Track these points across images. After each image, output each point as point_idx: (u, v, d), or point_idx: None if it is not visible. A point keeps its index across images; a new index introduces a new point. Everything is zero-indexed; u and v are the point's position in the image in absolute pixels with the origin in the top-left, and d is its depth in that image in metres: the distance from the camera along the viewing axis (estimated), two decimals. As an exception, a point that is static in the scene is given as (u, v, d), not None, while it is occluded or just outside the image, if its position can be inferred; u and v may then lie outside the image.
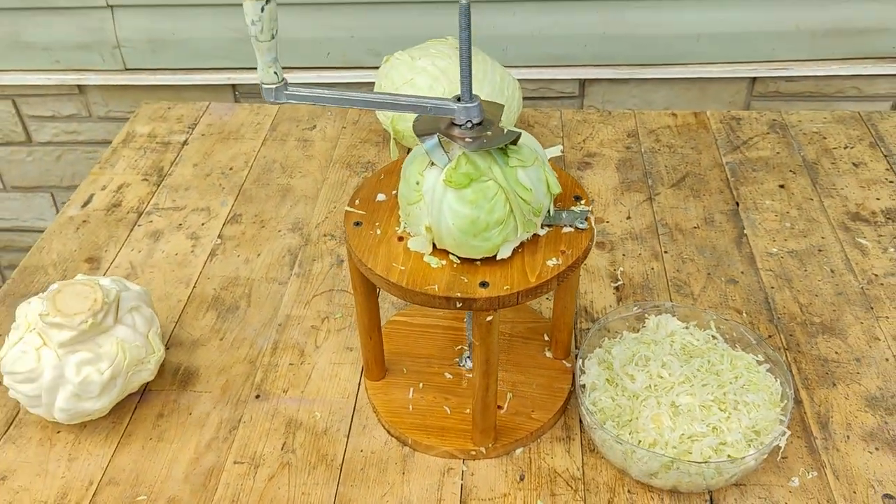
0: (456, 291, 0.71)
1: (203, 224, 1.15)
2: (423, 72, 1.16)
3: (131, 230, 1.15)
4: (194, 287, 1.05)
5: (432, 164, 0.73)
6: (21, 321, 0.86)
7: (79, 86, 1.73)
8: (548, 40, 1.58)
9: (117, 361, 0.84)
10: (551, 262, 0.73)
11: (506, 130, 0.72)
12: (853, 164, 1.22)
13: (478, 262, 0.74)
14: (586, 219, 0.77)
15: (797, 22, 1.53)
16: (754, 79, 1.60)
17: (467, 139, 0.70)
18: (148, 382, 0.92)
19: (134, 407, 0.91)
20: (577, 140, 1.30)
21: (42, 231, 1.96)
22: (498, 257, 0.73)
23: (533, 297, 0.72)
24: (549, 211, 0.76)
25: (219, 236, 1.13)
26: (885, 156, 1.23)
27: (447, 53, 1.18)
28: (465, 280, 0.72)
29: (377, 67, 1.62)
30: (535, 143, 0.76)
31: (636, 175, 1.22)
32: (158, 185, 1.23)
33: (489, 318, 0.72)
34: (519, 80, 1.59)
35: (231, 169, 1.26)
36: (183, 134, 1.35)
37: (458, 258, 0.74)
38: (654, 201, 1.17)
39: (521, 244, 0.75)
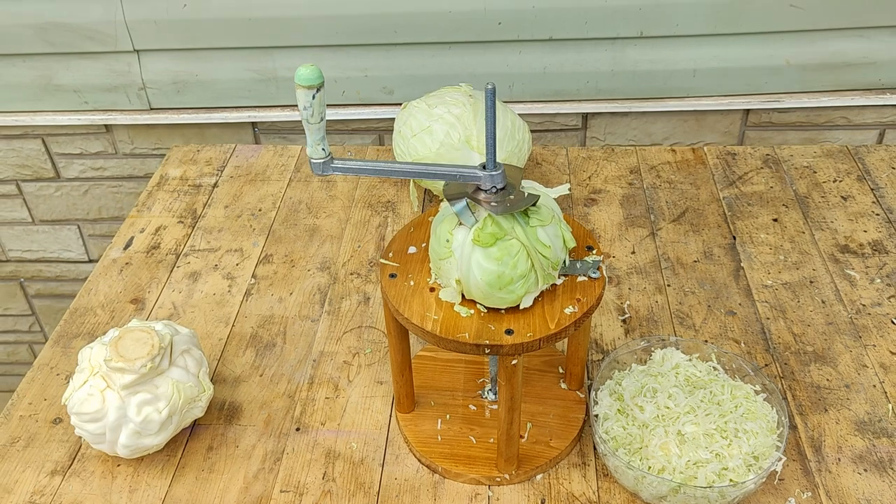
0: (485, 339, 0.79)
1: (237, 264, 1.24)
2: (439, 119, 1.25)
3: (171, 271, 1.23)
4: (233, 326, 1.14)
5: (461, 223, 0.82)
6: (84, 365, 0.94)
7: (106, 125, 1.81)
8: (552, 77, 1.67)
9: (173, 401, 0.93)
10: (568, 310, 0.82)
11: (526, 194, 0.81)
12: (842, 197, 1.31)
13: (503, 311, 0.82)
14: (598, 268, 0.86)
15: (787, 57, 1.62)
16: (748, 111, 1.69)
17: (493, 203, 0.79)
18: (197, 418, 1.01)
19: (185, 441, 0.99)
20: (583, 177, 1.39)
21: (69, 262, 2.05)
22: (521, 307, 0.82)
23: (553, 342, 0.81)
24: (564, 262, 0.85)
25: (253, 276, 1.22)
26: (872, 189, 1.32)
27: (461, 101, 1.27)
28: (493, 328, 0.80)
29: (390, 104, 1.72)
30: (551, 201, 0.84)
31: (639, 210, 1.31)
32: (193, 227, 1.32)
33: (514, 362, 0.81)
34: (524, 114, 1.68)
35: (260, 210, 1.35)
36: (212, 176, 1.43)
37: (485, 308, 0.82)
38: (657, 236, 1.25)
39: (541, 293, 0.83)
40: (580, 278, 0.85)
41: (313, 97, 0.74)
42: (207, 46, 1.68)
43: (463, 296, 0.83)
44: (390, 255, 0.89)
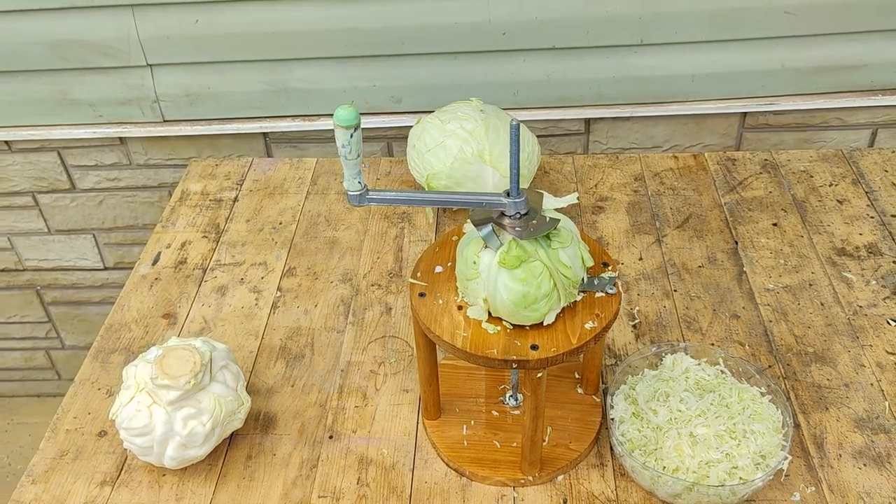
0: (512, 355, 0.85)
1: (262, 278, 1.29)
2: (452, 135, 1.30)
3: (199, 286, 1.29)
4: (262, 338, 1.20)
5: (487, 247, 0.87)
6: (130, 382, 1.00)
7: (120, 138, 1.86)
8: (555, 84, 1.72)
9: (216, 414, 0.99)
10: (589, 325, 0.88)
11: (548, 218, 0.86)
12: (838, 201, 1.37)
13: (527, 328, 0.88)
14: (615, 284, 0.92)
15: (783, 61, 1.67)
16: (745, 113, 1.75)
17: (517, 228, 0.85)
18: (236, 429, 1.06)
19: (225, 451, 1.05)
20: (590, 185, 1.44)
21: (84, 270, 2.10)
22: (544, 323, 0.88)
23: (575, 356, 0.87)
24: (583, 279, 0.91)
25: (278, 289, 1.27)
26: (866, 192, 1.38)
27: (473, 116, 1.32)
28: (519, 344, 0.86)
29: (398, 113, 1.77)
30: (570, 224, 0.90)
31: (645, 217, 1.37)
32: (217, 242, 1.37)
33: (539, 375, 0.87)
34: (529, 120, 1.74)
35: (280, 223, 1.40)
36: (232, 191, 1.49)
37: (511, 324, 0.88)
38: (662, 242, 1.31)
39: (563, 310, 0.89)
40: (598, 294, 0.91)
41: (351, 136, 0.79)
42: (219, 60, 1.73)
43: (489, 313, 0.89)
44: (418, 274, 0.95)
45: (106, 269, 2.09)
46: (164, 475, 1.02)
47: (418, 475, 1.01)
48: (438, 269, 0.96)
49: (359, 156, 0.82)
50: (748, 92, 1.71)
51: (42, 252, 2.06)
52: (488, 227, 0.86)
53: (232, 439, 1.06)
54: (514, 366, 0.85)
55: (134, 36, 1.70)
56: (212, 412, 0.98)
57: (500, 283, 0.85)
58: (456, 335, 0.88)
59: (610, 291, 0.91)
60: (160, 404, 0.97)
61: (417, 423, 1.07)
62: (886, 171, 1.42)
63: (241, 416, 1.02)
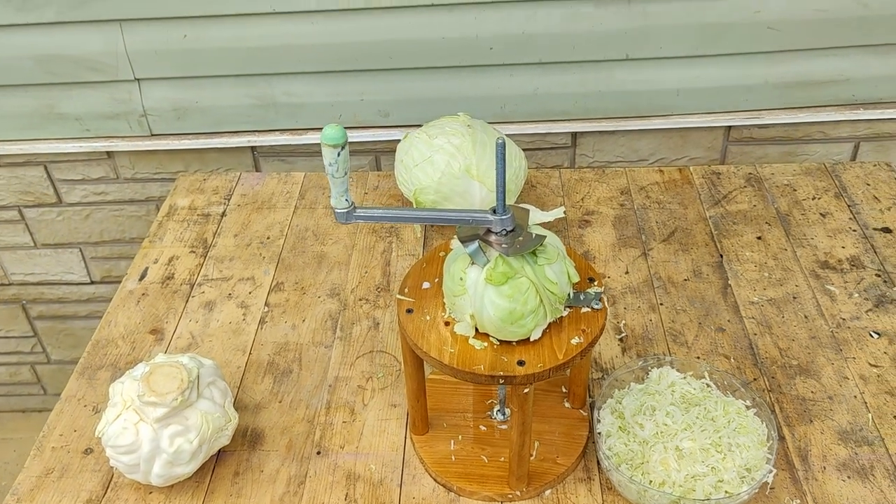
0: (499, 371, 0.86)
1: (250, 293, 1.29)
2: (440, 150, 1.31)
3: (186, 301, 1.29)
4: (250, 354, 1.19)
5: (473, 263, 0.88)
6: (117, 399, 1.00)
7: (107, 152, 1.86)
8: (542, 98, 1.73)
9: (203, 431, 0.98)
10: (575, 341, 0.88)
11: (534, 235, 0.87)
12: (820, 214, 1.38)
13: (514, 343, 0.89)
14: (600, 299, 0.92)
15: (766, 76, 1.69)
16: (730, 127, 1.77)
17: (503, 245, 0.86)
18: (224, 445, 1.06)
19: (213, 467, 1.05)
20: (577, 199, 1.45)
21: (71, 284, 2.09)
22: (531, 339, 0.88)
23: (562, 371, 0.87)
24: (569, 295, 0.92)
25: (266, 304, 1.27)
26: (849, 206, 1.40)
27: (461, 131, 1.33)
28: (505, 360, 0.87)
29: (386, 127, 1.78)
30: (556, 240, 0.91)
31: (631, 231, 1.38)
32: (205, 257, 1.37)
33: (525, 391, 0.87)
34: (516, 134, 1.75)
35: (268, 238, 1.40)
36: (220, 205, 1.49)
37: (498, 340, 0.89)
38: (648, 256, 1.33)
39: (549, 325, 0.90)
40: (584, 309, 0.92)
41: (338, 154, 0.80)
42: (207, 74, 1.73)
43: (476, 329, 0.90)
44: (406, 290, 0.96)
45: (92, 283, 2.08)
46: (150, 493, 1.02)
47: (406, 491, 1.01)
48: (426, 285, 0.96)
49: (346, 174, 0.82)
50: (732, 106, 1.73)
51: (28, 266, 2.05)
52: (475, 244, 0.87)
53: (219, 456, 1.06)
54: (501, 382, 0.86)
55: (122, 50, 1.70)
56: (199, 429, 0.98)
57: (487, 299, 0.86)
58: (443, 351, 0.88)
59: (595, 307, 0.92)
60: (147, 422, 0.97)
61: (405, 438, 1.07)
62: (868, 184, 1.44)
63: (228, 432, 1.02)
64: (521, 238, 0.86)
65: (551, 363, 0.86)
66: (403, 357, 0.96)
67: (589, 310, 0.92)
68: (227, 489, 1.02)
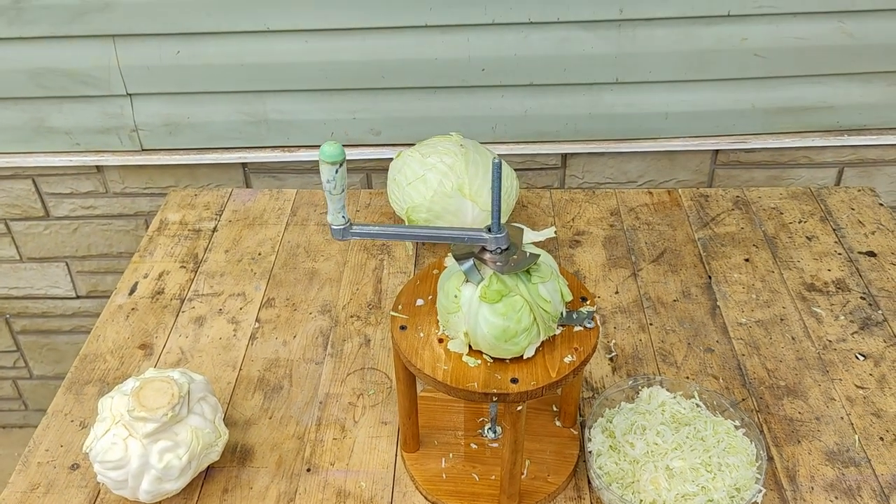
0: (492, 388, 0.86)
1: (241, 308, 1.29)
2: (433, 168, 1.32)
3: (177, 317, 1.28)
4: (240, 370, 1.19)
5: (468, 280, 0.88)
6: (106, 414, 0.99)
7: (97, 166, 1.85)
8: (533, 119, 1.75)
9: (192, 447, 0.98)
10: (567, 359, 0.89)
11: (528, 254, 0.88)
12: (807, 237, 1.40)
13: (507, 361, 0.89)
14: (593, 318, 0.93)
15: (753, 101, 1.72)
16: (717, 151, 1.79)
17: (498, 263, 0.86)
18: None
19: (201, 484, 1.04)
20: (567, 219, 1.47)
21: (56, 298, 2.07)
22: (524, 357, 0.89)
23: (554, 390, 0.88)
24: (562, 313, 0.92)
25: (256, 320, 1.27)
26: (834, 229, 1.42)
27: (453, 151, 1.34)
28: (499, 377, 0.87)
29: (377, 145, 1.79)
30: (549, 259, 0.92)
31: (620, 252, 1.39)
32: (195, 272, 1.37)
33: (519, 409, 0.87)
34: (507, 154, 1.76)
35: (259, 254, 1.40)
36: (211, 221, 1.49)
37: (491, 358, 0.89)
38: (638, 276, 1.34)
39: (542, 343, 0.90)
40: (576, 328, 0.93)
41: (336, 171, 0.80)
42: (199, 91, 1.74)
43: (470, 347, 0.90)
44: (399, 307, 0.96)
45: (78, 297, 2.07)
46: (138, 509, 1.01)
47: (397, 509, 1.00)
48: (420, 302, 0.97)
49: (343, 191, 0.83)
50: (720, 130, 1.76)
51: (13, 280, 2.03)
52: (469, 262, 0.88)
53: (208, 472, 1.05)
54: (495, 399, 0.86)
55: (114, 65, 1.71)
56: (189, 445, 0.98)
57: (481, 317, 0.86)
58: (437, 368, 0.88)
59: (588, 326, 0.92)
60: (136, 437, 0.96)
61: (396, 455, 1.07)
62: (852, 209, 1.47)
63: (218, 448, 1.02)
64: (515, 256, 0.87)
65: (544, 381, 0.87)
66: (396, 374, 0.97)
67: (581, 328, 0.92)
68: (216, 506, 1.01)
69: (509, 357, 0.89)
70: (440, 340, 0.92)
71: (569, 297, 0.91)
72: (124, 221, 1.93)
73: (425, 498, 1.01)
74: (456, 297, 0.88)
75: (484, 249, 0.87)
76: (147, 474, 0.96)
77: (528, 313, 0.86)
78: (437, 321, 0.94)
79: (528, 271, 0.88)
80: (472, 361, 0.89)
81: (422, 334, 0.92)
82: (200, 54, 1.69)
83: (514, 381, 0.87)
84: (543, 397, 1.12)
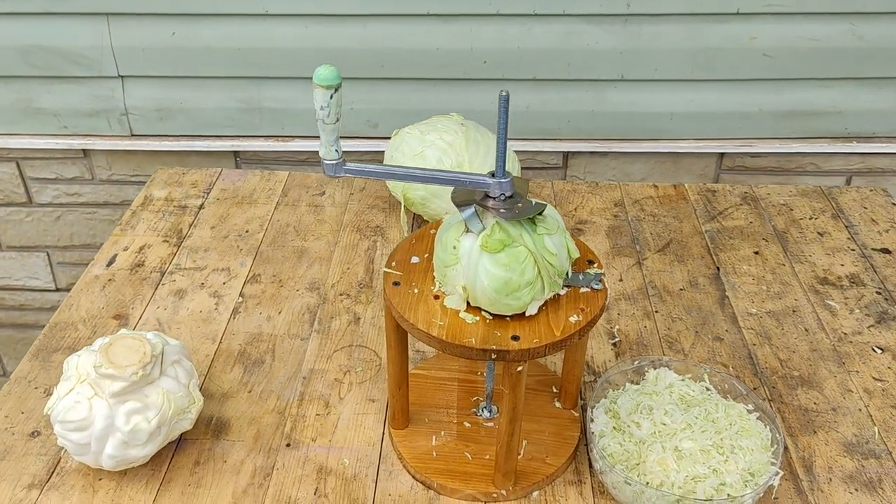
0: (491, 344, 0.79)
1: (224, 283, 1.22)
2: (432, 145, 1.26)
3: (156, 289, 1.21)
4: (220, 343, 1.12)
5: (467, 231, 0.82)
6: (71, 373, 0.91)
7: (84, 150, 1.79)
8: (535, 115, 1.71)
9: (163, 410, 0.90)
10: (573, 319, 0.82)
11: (534, 202, 0.82)
12: (818, 233, 1.35)
13: (508, 319, 0.83)
14: (601, 280, 0.87)
15: (760, 104, 1.68)
16: (723, 154, 1.75)
17: (502, 210, 0.80)
18: (184, 432, 0.98)
19: (171, 455, 0.96)
20: (569, 209, 1.41)
21: (34, 290, 1.99)
22: (526, 314, 0.82)
23: (558, 350, 0.81)
24: (567, 273, 0.86)
25: (240, 295, 1.20)
26: (846, 226, 1.37)
27: (453, 129, 1.29)
28: (498, 334, 0.81)
29: (375, 138, 1.74)
30: (556, 213, 0.86)
31: (625, 241, 1.33)
32: (179, 247, 1.30)
33: (519, 369, 0.81)
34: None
35: (247, 232, 1.34)
36: (199, 198, 1.42)
37: (491, 315, 0.83)
38: (643, 265, 1.28)
39: (545, 303, 0.84)
40: (583, 289, 0.86)
41: (331, 97, 0.75)
42: (194, 75, 1.69)
43: (468, 303, 0.83)
44: (393, 264, 0.89)
45: (58, 290, 1.99)
46: (100, 479, 0.93)
47: (382, 487, 0.92)
48: (415, 259, 0.90)
49: (338, 120, 0.77)
50: (725, 133, 1.71)
51: (-10, 269, 1.96)
52: (471, 209, 0.81)
53: (179, 443, 0.97)
54: (494, 357, 0.79)
55: (107, 45, 1.66)
56: (159, 408, 0.90)
57: (482, 268, 0.80)
58: (432, 324, 0.82)
59: (596, 287, 0.86)
60: (102, 396, 0.89)
61: (383, 433, 0.99)
62: (865, 208, 1.42)
63: (191, 415, 0.94)
64: (520, 204, 0.81)
65: (548, 339, 0.80)
66: (387, 337, 0.90)
67: (588, 290, 0.86)
68: (186, 479, 0.93)
69: (510, 313, 0.82)
70: (436, 297, 0.85)
71: (576, 254, 0.85)
72: (109, 210, 1.87)
73: (413, 477, 0.94)
74: (455, 248, 0.82)
75: (487, 196, 0.81)
76: (112, 437, 0.88)
77: (532, 266, 0.80)
78: (434, 278, 0.87)
79: (533, 221, 0.82)
80: (469, 318, 0.82)
81: (416, 290, 0.86)
82: (197, 36, 1.65)
83: (515, 338, 0.80)
84: (544, 378, 1.05)
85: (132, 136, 1.76)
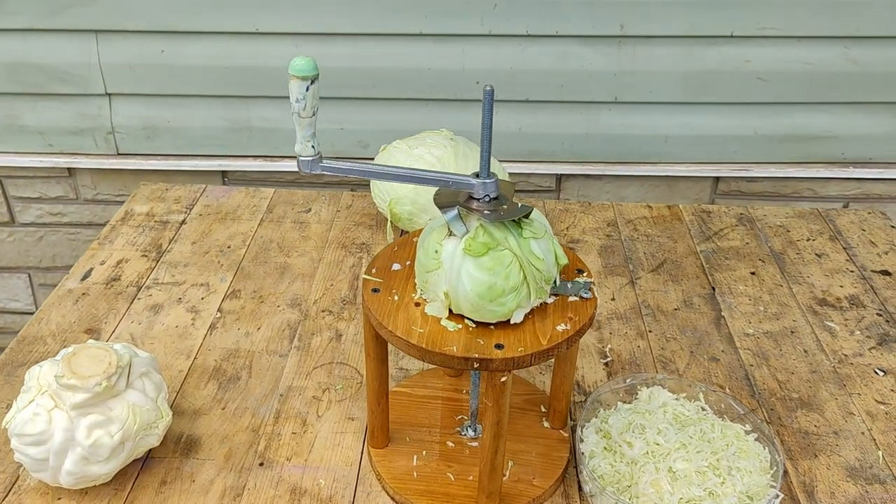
0: (473, 352, 0.75)
1: (203, 298, 1.18)
2: (420, 159, 1.23)
3: (131, 303, 1.17)
4: (195, 358, 1.07)
5: (450, 234, 0.78)
6: (32, 384, 0.86)
7: (69, 169, 1.76)
8: (527, 137, 1.68)
9: (128, 425, 0.85)
10: (560, 328, 0.78)
11: (519, 205, 0.78)
12: (816, 254, 1.31)
13: (492, 327, 0.78)
14: (590, 289, 0.83)
15: (755, 127, 1.66)
16: (718, 178, 1.72)
17: (486, 211, 0.76)
18: (151, 450, 0.92)
19: (136, 474, 0.90)
20: (561, 227, 1.38)
21: (14, 313, 1.95)
22: (511, 322, 0.78)
23: (544, 360, 0.77)
24: (555, 281, 0.82)
25: (218, 310, 1.16)
26: (845, 248, 1.33)
27: (442, 143, 1.26)
28: (482, 342, 0.76)
29: (365, 158, 1.71)
30: (543, 218, 0.82)
31: (618, 260, 1.29)
32: (157, 262, 1.26)
33: (503, 379, 0.76)
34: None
35: (229, 247, 1.30)
36: (181, 214, 1.39)
37: (474, 323, 0.78)
38: (636, 285, 1.24)
39: (532, 311, 0.80)
40: (571, 298, 0.82)
41: (307, 89, 0.71)
42: (182, 93, 1.67)
43: (451, 311, 0.79)
44: (373, 271, 0.85)
45: (38, 312, 1.94)
46: (59, 498, 0.87)
47: (359, 509, 0.87)
48: (396, 266, 0.86)
49: (314, 114, 0.74)
50: (722, 157, 1.69)
51: (-31, 290, 1.91)
52: (454, 211, 0.78)
53: (146, 461, 0.92)
54: (476, 365, 0.75)
55: (95, 62, 1.64)
56: (123, 422, 0.85)
57: (465, 272, 0.76)
58: (411, 331, 0.77)
59: (585, 296, 0.82)
60: (63, 408, 0.84)
61: (362, 453, 0.94)
62: (863, 230, 1.38)
63: (158, 431, 0.89)
64: (505, 206, 0.77)
65: (533, 348, 0.75)
66: (365, 347, 0.85)
67: (577, 299, 0.82)
68: (151, 499, 0.88)
69: (494, 321, 0.78)
70: (417, 304, 0.81)
71: (564, 261, 0.81)
72: (93, 231, 1.83)
73: (392, 498, 0.88)
74: (437, 252, 0.78)
75: (471, 198, 0.78)
76: (71, 452, 0.83)
77: (517, 270, 0.76)
78: (415, 286, 0.83)
79: (519, 225, 0.78)
80: (451, 325, 0.78)
81: (396, 297, 0.82)
82: (185, 54, 1.63)
83: (499, 346, 0.76)
84: (531, 397, 1.00)
85: (118, 154, 1.73)
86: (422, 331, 0.77)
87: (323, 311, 1.16)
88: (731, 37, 1.57)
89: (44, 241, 1.85)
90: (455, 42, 1.60)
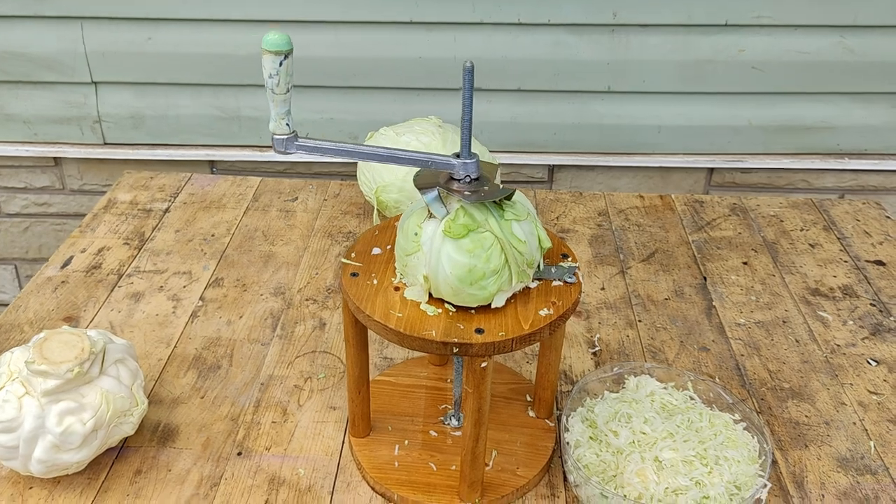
0: (453, 337, 0.73)
1: (184, 287, 1.16)
2: (407, 146, 1.21)
3: (111, 291, 1.14)
4: (175, 346, 1.05)
5: (430, 216, 0.76)
6: (3, 370, 0.84)
7: (55, 158, 1.74)
8: (520, 127, 1.66)
9: (100, 412, 0.83)
10: (543, 312, 0.76)
11: (501, 186, 0.76)
12: (809, 244, 1.29)
13: (472, 311, 0.76)
14: (574, 273, 0.81)
15: (750, 118, 1.64)
16: (712, 169, 1.70)
17: (466, 192, 0.74)
18: (126, 438, 0.90)
19: (111, 463, 0.88)
20: (551, 217, 1.36)
21: (0, 304, 1.92)
22: (493, 306, 0.76)
23: (526, 345, 0.75)
24: (539, 266, 0.80)
25: (200, 298, 1.14)
26: (839, 238, 1.31)
27: (430, 130, 1.24)
28: (462, 327, 0.74)
29: (354, 148, 1.69)
30: (527, 201, 0.80)
31: (608, 250, 1.27)
32: (139, 250, 1.24)
33: (484, 364, 0.74)
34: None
35: (213, 236, 1.28)
36: (165, 202, 1.37)
37: (454, 307, 0.76)
38: (627, 274, 1.22)
39: (514, 296, 0.78)
40: (555, 283, 0.80)
41: (280, 64, 0.69)
42: (169, 82, 1.65)
43: (431, 295, 0.77)
44: (353, 255, 0.83)
45: (25, 304, 1.91)
46: (30, 487, 0.85)
47: (338, 499, 0.85)
48: (376, 250, 0.84)
49: (288, 91, 0.72)
50: (716, 147, 1.67)
51: (-45, 282, 1.89)
52: (434, 192, 0.76)
53: (121, 451, 0.90)
54: (455, 350, 0.73)
55: (81, 50, 1.62)
56: (96, 409, 0.83)
57: (445, 255, 0.74)
58: (389, 315, 0.75)
59: (569, 280, 0.80)
60: (33, 395, 0.82)
61: (343, 443, 0.92)
62: (857, 220, 1.36)
63: (133, 419, 0.87)
64: (486, 187, 0.75)
65: (515, 333, 0.73)
66: (345, 332, 0.83)
67: (561, 283, 0.80)
68: (125, 488, 0.85)
69: (475, 305, 0.76)
70: (396, 289, 0.79)
71: (547, 244, 0.79)
72: (80, 221, 1.80)
73: (372, 489, 0.86)
74: (416, 234, 0.76)
75: (451, 178, 0.76)
76: (42, 440, 0.81)
77: (498, 252, 0.74)
78: (395, 270, 0.81)
79: (500, 206, 0.76)
80: (431, 310, 0.76)
81: (375, 282, 0.80)
82: (173, 42, 1.60)
83: (479, 331, 0.74)
84: (517, 386, 0.98)
85: (105, 144, 1.71)
86: (400, 315, 0.75)
87: (307, 300, 1.14)
88: (726, 25, 1.55)
89: (29, 231, 1.83)
90: (446, 30, 1.58)
